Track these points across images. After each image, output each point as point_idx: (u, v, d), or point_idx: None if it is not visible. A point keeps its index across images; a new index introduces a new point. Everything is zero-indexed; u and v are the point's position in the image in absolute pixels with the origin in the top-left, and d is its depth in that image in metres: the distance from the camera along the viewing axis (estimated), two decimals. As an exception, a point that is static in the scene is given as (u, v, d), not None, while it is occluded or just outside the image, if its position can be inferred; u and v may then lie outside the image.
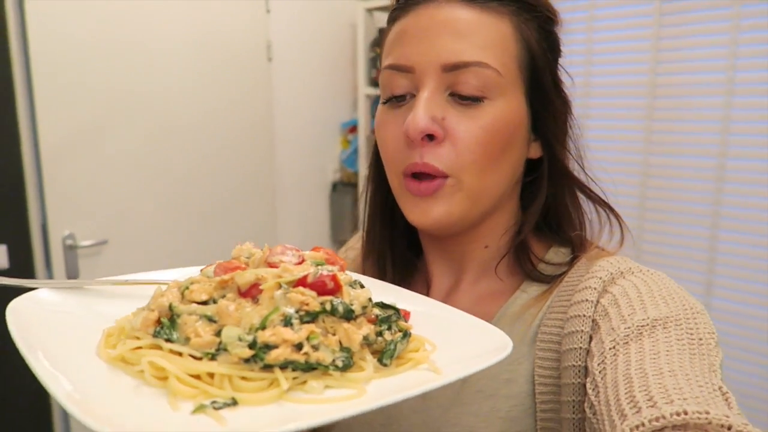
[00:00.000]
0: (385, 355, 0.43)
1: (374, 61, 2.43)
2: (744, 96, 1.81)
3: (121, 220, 2.02)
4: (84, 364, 0.41)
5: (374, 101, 2.58)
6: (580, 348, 0.55)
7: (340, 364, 0.40)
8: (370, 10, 2.44)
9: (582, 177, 0.67)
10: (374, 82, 2.46)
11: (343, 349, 0.42)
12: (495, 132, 0.59)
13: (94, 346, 0.43)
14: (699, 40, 1.88)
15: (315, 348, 0.40)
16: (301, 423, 0.33)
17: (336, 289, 0.44)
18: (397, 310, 0.47)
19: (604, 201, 0.67)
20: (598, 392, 0.48)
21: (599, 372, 0.49)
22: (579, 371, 0.55)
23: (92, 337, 0.44)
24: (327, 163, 2.70)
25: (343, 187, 2.69)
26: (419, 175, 0.60)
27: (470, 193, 0.60)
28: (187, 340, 0.41)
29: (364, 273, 0.72)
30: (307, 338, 0.40)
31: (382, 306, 0.47)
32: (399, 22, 0.62)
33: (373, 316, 0.45)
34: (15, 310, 0.46)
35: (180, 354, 0.40)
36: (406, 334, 0.45)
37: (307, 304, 0.42)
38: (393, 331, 0.45)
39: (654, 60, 1.95)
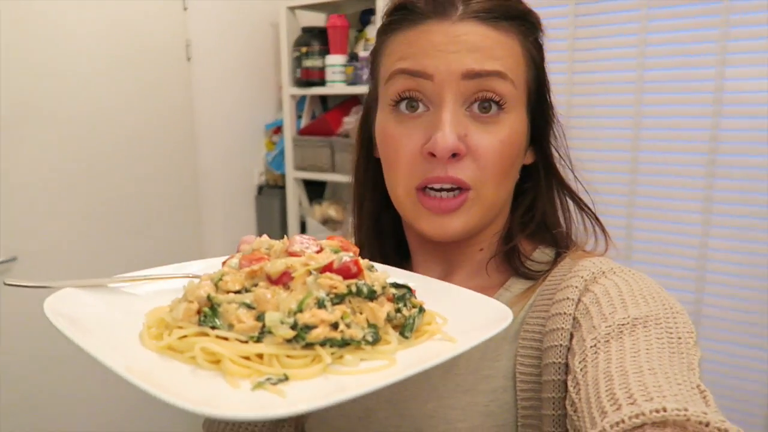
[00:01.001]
0: (405, 329, 0.48)
1: (298, 61, 2.39)
2: (652, 93, 1.94)
3: (31, 234, 1.86)
4: (134, 352, 0.44)
5: (299, 101, 2.54)
6: (561, 345, 0.56)
7: (370, 338, 0.45)
8: (292, 9, 2.40)
9: (573, 185, 0.71)
10: (299, 82, 2.42)
11: (370, 325, 0.46)
12: (510, 145, 0.62)
13: (134, 338, 0.46)
14: (611, 41, 2.00)
15: (348, 326, 0.44)
16: (358, 390, 0.37)
17: (358, 273, 0.48)
18: (409, 288, 0.51)
19: (589, 210, 0.70)
20: (579, 390, 0.49)
21: (580, 370, 0.50)
22: (560, 368, 0.56)
23: (128, 330, 0.47)
24: (252, 165, 2.63)
25: (270, 189, 2.64)
26: (438, 189, 0.61)
27: (487, 205, 0.63)
28: (231, 326, 0.44)
29: None
30: (341, 317, 0.44)
31: (396, 286, 0.50)
32: (404, 33, 0.63)
33: (390, 295, 0.49)
34: (52, 307, 0.47)
35: (226, 339, 0.43)
36: (421, 310, 0.50)
37: (335, 288, 0.46)
38: (409, 307, 0.49)
39: (570, 59, 2.05)
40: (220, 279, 0.48)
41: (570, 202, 0.71)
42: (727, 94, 1.81)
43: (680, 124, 1.91)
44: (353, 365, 0.43)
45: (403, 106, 0.62)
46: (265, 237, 0.54)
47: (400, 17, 0.63)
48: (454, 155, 0.59)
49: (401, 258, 0.76)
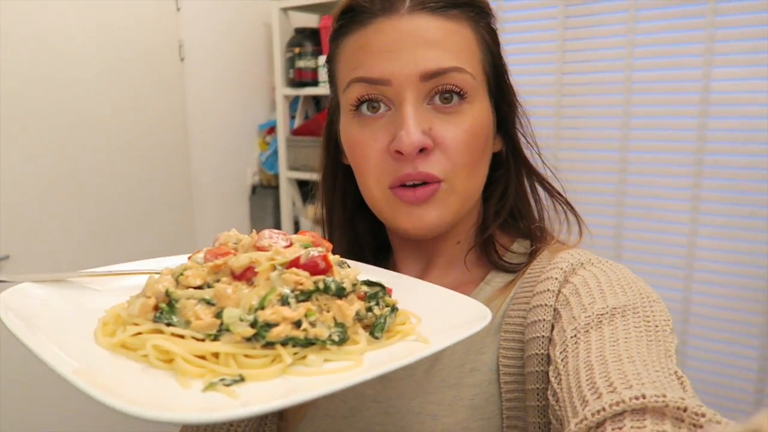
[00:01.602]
0: (376, 329, 0.46)
1: (291, 61, 2.40)
2: (640, 93, 1.96)
3: (23, 232, 1.87)
4: (85, 350, 0.41)
5: (292, 102, 2.55)
6: (543, 337, 0.57)
7: (336, 338, 0.43)
8: (285, 10, 2.41)
9: (542, 171, 0.71)
10: (292, 83, 2.43)
11: (337, 324, 0.44)
12: (476, 133, 0.61)
13: (89, 336, 0.43)
14: (600, 42, 2.02)
15: (312, 324, 0.42)
16: (310, 393, 0.35)
17: (327, 269, 0.46)
18: (382, 286, 0.49)
19: (561, 195, 0.71)
20: (561, 380, 0.49)
21: (561, 360, 0.51)
22: (542, 359, 0.56)
23: (85, 327, 0.44)
24: (245, 165, 2.64)
25: (263, 189, 2.64)
26: (410, 186, 0.60)
27: (462, 196, 0.62)
28: (188, 323, 0.42)
29: None
30: (305, 315, 0.42)
31: (369, 284, 0.49)
32: (357, 36, 0.62)
33: (362, 293, 0.47)
34: (4, 301, 0.45)
35: (182, 337, 0.41)
36: (393, 309, 0.48)
37: (301, 284, 0.44)
38: (381, 306, 0.47)
39: (560, 60, 2.06)
40: (181, 274, 0.45)
41: (541, 190, 0.71)
42: (714, 94, 1.83)
43: (668, 124, 1.93)
44: (317, 366, 0.41)
45: (364, 108, 0.62)
46: (233, 231, 0.52)
47: (349, 20, 0.62)
48: (421, 151, 0.59)
49: (381, 259, 0.75)
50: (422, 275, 0.71)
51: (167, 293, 0.43)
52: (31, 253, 1.89)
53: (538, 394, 0.56)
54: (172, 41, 2.25)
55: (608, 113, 2.03)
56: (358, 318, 0.45)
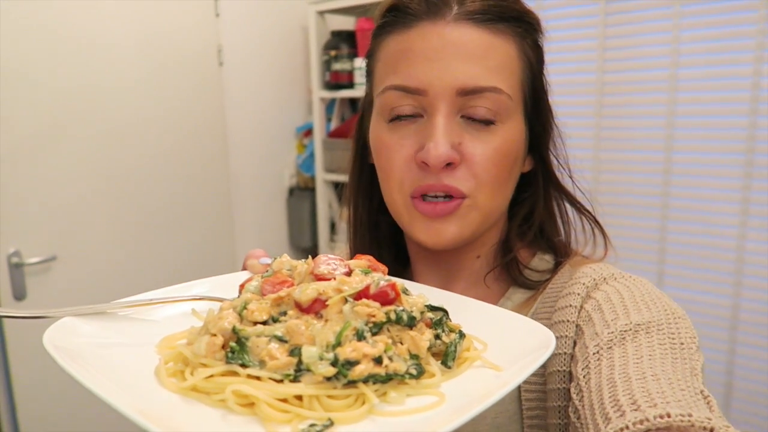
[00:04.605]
0: (448, 358, 0.45)
1: (328, 64, 2.41)
2: (686, 92, 1.90)
3: (70, 233, 1.93)
4: (151, 393, 0.39)
5: (329, 104, 2.56)
6: (565, 353, 0.56)
7: (414, 372, 0.42)
8: (321, 13, 2.42)
9: (569, 188, 0.69)
10: (328, 85, 2.44)
11: (412, 356, 0.43)
12: (506, 153, 0.60)
13: (148, 375, 0.42)
14: (643, 39, 1.96)
15: (390, 359, 0.41)
16: None
17: (396, 298, 0.44)
18: (445, 311, 0.48)
19: (590, 213, 0.69)
20: (582, 396, 0.48)
21: (583, 376, 0.50)
22: (564, 376, 0.56)
23: (139, 364, 0.43)
24: (283, 168, 2.66)
25: (300, 192, 2.66)
26: (433, 196, 0.60)
27: (483, 213, 0.61)
28: (263, 363, 0.40)
29: None
30: (384, 350, 0.41)
31: (431, 308, 0.47)
32: (399, 37, 0.61)
33: (428, 320, 0.46)
34: (54, 341, 0.43)
35: (259, 378, 0.39)
36: (461, 335, 0.47)
37: (373, 316, 0.42)
38: (447, 332, 0.46)
39: (601, 59, 2.01)
40: (245, 308, 0.43)
41: (569, 208, 0.70)
42: (765, 92, 1.76)
43: (716, 123, 1.87)
44: (399, 403, 0.39)
45: (395, 120, 0.61)
46: (285, 257, 0.50)
47: (393, 19, 0.61)
48: (448, 165, 0.58)
49: (400, 266, 0.75)
50: (443, 289, 0.70)
51: (234, 330, 0.41)
52: (78, 253, 1.95)
53: (559, 412, 0.56)
54: (212, 46, 2.29)
55: (652, 113, 1.97)
56: (429, 347, 0.44)
